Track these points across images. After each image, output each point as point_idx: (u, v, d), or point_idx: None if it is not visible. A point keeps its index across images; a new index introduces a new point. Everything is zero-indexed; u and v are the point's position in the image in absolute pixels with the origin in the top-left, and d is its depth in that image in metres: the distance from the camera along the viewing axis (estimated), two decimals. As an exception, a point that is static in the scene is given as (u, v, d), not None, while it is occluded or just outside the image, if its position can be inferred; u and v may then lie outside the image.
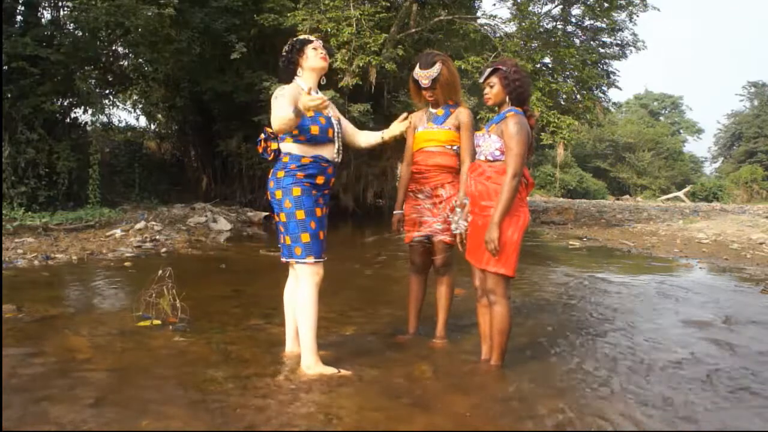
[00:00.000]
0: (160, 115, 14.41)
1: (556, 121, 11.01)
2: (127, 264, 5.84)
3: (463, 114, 3.19)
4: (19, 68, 7.82)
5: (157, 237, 7.55)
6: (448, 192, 3.18)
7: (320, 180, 2.71)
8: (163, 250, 6.92)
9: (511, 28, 12.00)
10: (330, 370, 2.65)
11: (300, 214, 2.65)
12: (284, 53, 2.84)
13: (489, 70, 2.83)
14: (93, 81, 9.81)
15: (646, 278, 5.99)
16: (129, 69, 11.04)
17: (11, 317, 3.49)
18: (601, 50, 14.99)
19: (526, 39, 11.74)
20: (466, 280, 3.34)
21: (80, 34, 8.85)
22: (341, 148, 2.81)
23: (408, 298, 3.42)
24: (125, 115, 39.74)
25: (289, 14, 9.60)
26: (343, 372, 2.67)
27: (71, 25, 9.12)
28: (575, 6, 13.69)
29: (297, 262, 2.69)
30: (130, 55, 10.42)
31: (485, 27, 11.80)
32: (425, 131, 3.22)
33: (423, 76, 3.14)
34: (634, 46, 15.07)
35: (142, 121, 15.23)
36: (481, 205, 2.78)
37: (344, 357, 2.90)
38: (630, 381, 2.78)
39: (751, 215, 15.34)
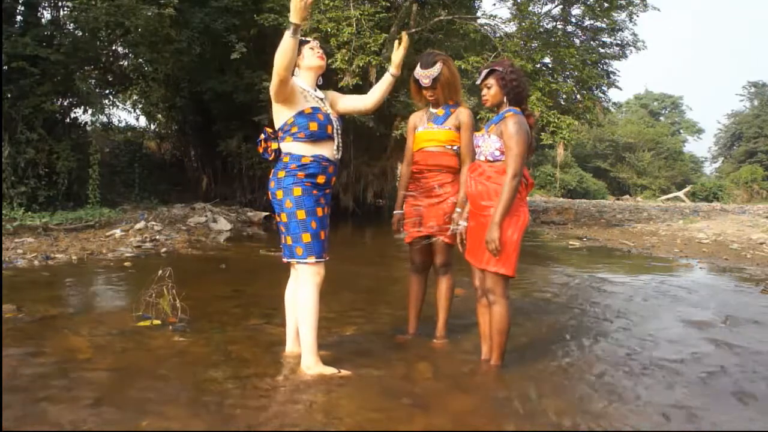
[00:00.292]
0: (160, 115, 14.41)
1: (556, 121, 11.01)
2: (126, 264, 5.84)
3: (463, 114, 3.19)
4: (19, 68, 7.81)
5: (157, 237, 7.55)
6: (448, 192, 3.18)
7: (321, 179, 2.70)
8: (163, 250, 6.92)
9: (511, 28, 12.01)
10: (330, 370, 2.65)
11: (301, 214, 2.64)
12: None
13: (485, 71, 2.84)
14: (93, 81, 9.81)
15: (646, 278, 5.99)
16: (129, 69, 11.04)
17: (11, 317, 3.49)
18: (601, 50, 14.97)
19: (526, 39, 11.74)
20: (466, 280, 3.34)
21: (80, 34, 8.85)
22: (341, 144, 2.80)
23: (408, 298, 3.42)
24: (125, 115, 39.72)
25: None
26: (343, 372, 2.66)
27: (71, 25, 9.12)
28: (575, 6, 13.69)
29: (298, 263, 2.69)
30: (130, 55, 10.41)
31: (485, 27, 11.79)
32: (425, 131, 3.22)
33: (424, 75, 3.14)
34: (634, 46, 15.06)
35: (142, 121, 15.25)
36: (481, 205, 2.78)
37: (344, 357, 2.90)
38: (629, 381, 2.78)
39: (752, 215, 15.34)
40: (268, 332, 3.39)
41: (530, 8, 12.59)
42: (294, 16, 2.46)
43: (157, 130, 14.95)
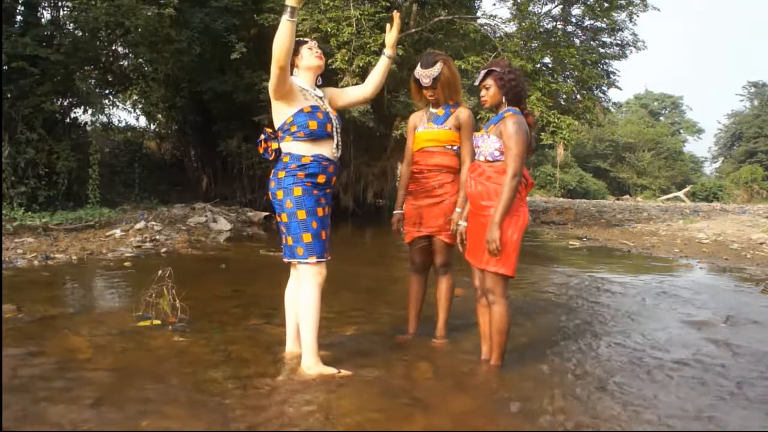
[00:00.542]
0: (160, 115, 14.41)
1: (556, 121, 11.01)
2: (126, 264, 5.84)
3: (463, 114, 3.19)
4: (19, 68, 7.81)
5: (157, 237, 7.55)
6: (448, 192, 3.18)
7: (321, 179, 2.70)
8: (163, 250, 6.92)
9: (511, 28, 12.01)
10: (330, 371, 2.65)
11: (301, 214, 2.64)
12: None
13: (483, 72, 2.84)
14: (93, 81, 9.81)
15: (646, 278, 5.99)
16: (129, 69, 11.04)
17: (11, 317, 3.49)
18: (601, 50, 14.96)
19: (526, 39, 11.74)
20: (466, 280, 3.34)
21: (80, 34, 8.85)
22: (340, 143, 2.80)
23: (408, 298, 3.42)
24: (125, 115, 39.72)
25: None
26: (343, 372, 2.66)
27: (71, 25, 9.12)
28: (575, 6, 13.68)
29: (299, 263, 2.69)
30: (130, 55, 10.41)
31: (485, 27, 11.79)
32: (425, 131, 3.22)
33: (424, 75, 3.14)
34: (634, 46, 15.05)
35: (142, 121, 15.25)
36: (480, 205, 2.78)
37: (344, 357, 2.90)
38: (630, 381, 2.78)
39: (752, 215, 15.35)
40: (268, 332, 3.38)
41: (530, 8, 12.59)
42: None
43: (157, 130, 14.95)
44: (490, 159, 2.78)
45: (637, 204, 25.67)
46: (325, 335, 3.13)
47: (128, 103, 13.97)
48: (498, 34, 11.74)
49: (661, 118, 52.17)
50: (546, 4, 13.82)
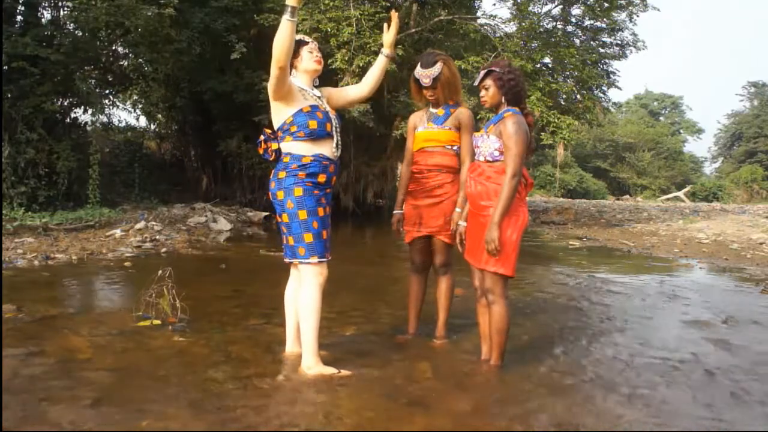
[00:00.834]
0: (160, 115, 14.42)
1: (556, 121, 11.01)
2: (127, 264, 5.84)
3: (463, 114, 3.19)
4: (19, 68, 7.82)
5: (157, 237, 7.55)
6: (448, 192, 3.18)
7: (322, 179, 2.70)
8: (163, 250, 6.92)
9: (511, 28, 12.02)
10: (330, 371, 2.65)
11: (302, 214, 2.64)
12: None
13: (483, 72, 2.84)
14: (93, 81, 9.81)
15: (646, 278, 5.99)
16: (129, 69, 11.05)
17: (11, 317, 3.49)
18: (601, 50, 14.96)
19: (526, 39, 11.74)
20: (466, 280, 3.34)
21: (80, 34, 8.86)
22: (340, 142, 2.80)
23: (408, 298, 3.42)
24: (125, 115, 39.74)
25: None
26: (343, 372, 2.66)
27: (71, 25, 9.12)
28: (575, 6, 13.68)
29: (301, 263, 2.69)
30: (130, 55, 10.42)
31: (485, 27, 11.80)
32: (425, 131, 3.22)
33: (424, 75, 3.14)
34: (634, 46, 15.04)
35: (142, 121, 15.27)
36: (480, 205, 2.78)
37: (344, 357, 2.90)
38: (629, 381, 2.78)
39: (751, 215, 15.35)
40: (268, 332, 3.39)
41: (530, 8, 12.59)
42: None
43: (157, 130, 14.96)
44: (490, 159, 2.78)
45: (637, 204, 25.67)
46: (325, 335, 3.13)
47: (128, 103, 13.97)
48: (498, 34, 11.75)
49: (661, 118, 52.17)
50: (546, 4, 13.83)
